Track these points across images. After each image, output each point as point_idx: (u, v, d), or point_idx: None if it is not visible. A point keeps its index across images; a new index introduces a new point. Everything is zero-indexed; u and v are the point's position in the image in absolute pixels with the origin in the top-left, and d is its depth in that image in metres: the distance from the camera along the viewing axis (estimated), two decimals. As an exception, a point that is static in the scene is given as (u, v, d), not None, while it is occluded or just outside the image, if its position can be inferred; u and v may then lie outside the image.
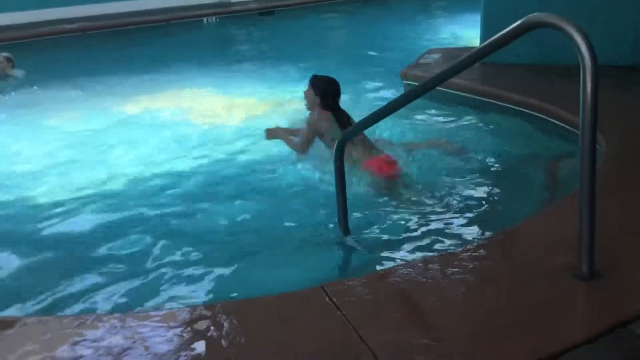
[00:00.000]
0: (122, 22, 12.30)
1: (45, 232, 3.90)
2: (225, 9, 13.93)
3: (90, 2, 12.80)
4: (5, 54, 8.73)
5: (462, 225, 3.61)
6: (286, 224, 3.84)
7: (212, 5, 14.24)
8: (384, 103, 3.23)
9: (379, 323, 2.21)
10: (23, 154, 5.50)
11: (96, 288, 3.15)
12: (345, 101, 6.69)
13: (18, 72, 8.65)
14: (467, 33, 10.07)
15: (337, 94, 4.70)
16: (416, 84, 6.24)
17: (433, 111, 5.81)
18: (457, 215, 3.76)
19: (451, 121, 5.56)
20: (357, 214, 3.76)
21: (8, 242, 3.77)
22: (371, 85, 7.44)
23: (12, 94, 7.68)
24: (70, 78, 8.26)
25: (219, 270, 3.31)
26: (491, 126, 5.31)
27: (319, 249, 3.47)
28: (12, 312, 2.90)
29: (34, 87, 7.86)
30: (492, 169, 4.54)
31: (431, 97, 5.83)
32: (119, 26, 12.12)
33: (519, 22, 2.31)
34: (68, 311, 2.91)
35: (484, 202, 3.96)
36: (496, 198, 4.02)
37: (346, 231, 3.55)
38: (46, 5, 12.34)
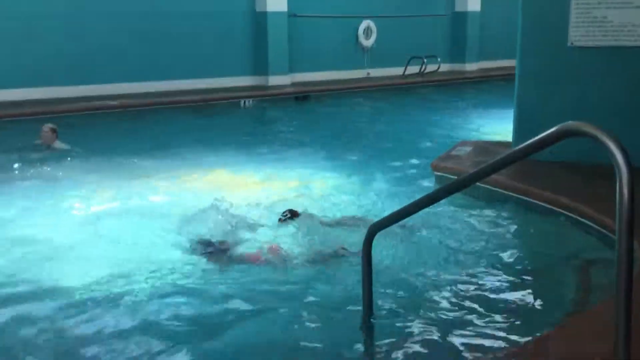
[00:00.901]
0: (161, 101, 12.73)
1: (68, 312, 3.87)
2: (262, 92, 14.36)
3: (131, 80, 13.34)
4: (50, 125, 9.00)
5: (492, 330, 3.49)
6: (310, 313, 3.77)
7: (250, 88, 14.71)
8: (414, 194, 3.24)
9: None
10: (52, 228, 5.53)
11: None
12: (374, 190, 6.76)
13: (61, 145, 8.90)
14: (498, 126, 10.17)
15: None
16: (447, 175, 6.26)
17: (463, 205, 5.78)
18: (487, 318, 3.64)
19: (482, 217, 5.51)
20: (383, 306, 3.69)
21: (26, 318, 3.76)
22: (402, 175, 7.48)
23: (52, 165, 7.87)
24: (109, 154, 8.47)
25: (236, 350, 3.25)
26: (523, 224, 5.25)
27: (341, 339, 3.40)
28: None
29: (74, 160, 8.07)
30: (522, 270, 4.43)
31: (465, 192, 5.81)
32: (158, 104, 12.54)
33: (554, 129, 2.31)
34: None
35: (514, 305, 3.84)
36: (527, 302, 3.90)
37: (370, 323, 3.48)
38: (90, 82, 12.88)
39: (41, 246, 5.10)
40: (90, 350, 3.40)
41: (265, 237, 5.14)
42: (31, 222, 5.75)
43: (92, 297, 4.09)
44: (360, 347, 3.47)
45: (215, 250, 4.89)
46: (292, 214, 5.59)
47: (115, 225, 5.64)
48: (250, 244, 4.99)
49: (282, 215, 5.58)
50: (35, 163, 7.94)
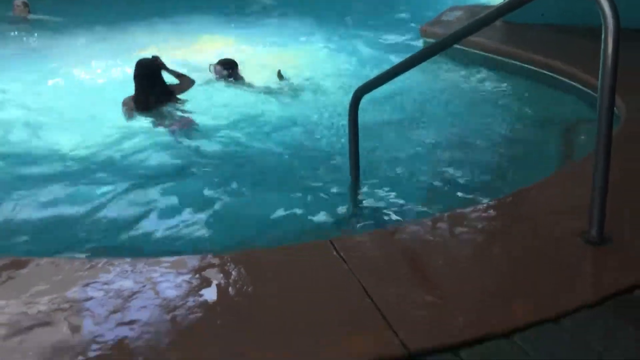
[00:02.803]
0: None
1: (55, 178, 3.97)
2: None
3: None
4: None
5: (474, 185, 3.58)
6: (298, 176, 3.85)
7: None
8: (402, 59, 3.19)
9: (384, 278, 2.22)
10: (29, 101, 5.52)
11: (108, 232, 3.21)
12: (362, 56, 6.67)
13: (34, 17, 8.68)
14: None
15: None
16: (436, 40, 6.15)
17: (452, 69, 5.73)
18: (469, 174, 3.73)
19: (470, 80, 5.49)
20: (369, 169, 3.75)
21: (19, 186, 3.83)
22: (389, 40, 7.35)
23: (26, 39, 7.70)
24: (85, 25, 8.22)
25: (229, 219, 3.34)
26: (510, 86, 5.24)
27: (329, 201, 3.47)
28: (25, 253, 2.95)
29: (49, 32, 7.86)
30: (508, 129, 4.50)
31: (451, 56, 5.74)
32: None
33: (542, -21, 2.25)
34: (80, 254, 2.95)
35: (498, 162, 3.93)
36: (511, 159, 3.98)
37: (357, 185, 3.55)
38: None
39: (23, 113, 5.17)
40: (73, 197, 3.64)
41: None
42: (10, 92, 5.73)
43: (69, 156, 4.33)
44: (348, 208, 3.56)
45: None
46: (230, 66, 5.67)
47: (84, 95, 5.68)
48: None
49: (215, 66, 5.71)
50: (9, 35, 7.76)
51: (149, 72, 5.03)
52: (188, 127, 4.75)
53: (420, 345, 1.87)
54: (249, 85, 5.66)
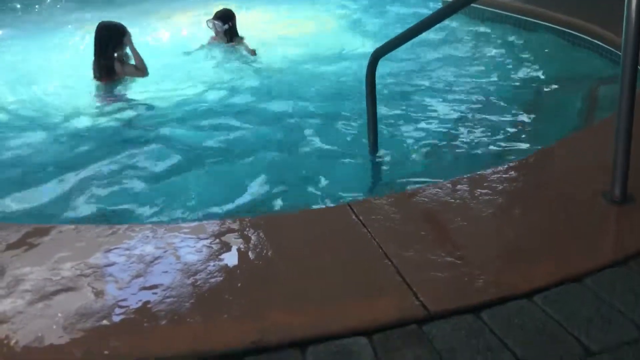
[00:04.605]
0: None
1: (74, 145, 4.01)
2: None
3: None
4: None
5: (494, 146, 3.54)
6: (315, 141, 3.83)
7: None
8: (420, 20, 3.14)
9: (404, 241, 2.22)
10: (34, 70, 5.56)
11: (128, 200, 3.23)
12: (378, 18, 6.57)
13: None
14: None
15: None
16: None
17: (471, 29, 5.63)
18: (490, 135, 3.69)
19: (491, 40, 5.39)
20: (387, 133, 3.73)
21: (40, 155, 3.88)
22: (407, 1, 7.22)
23: (32, 8, 7.68)
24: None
25: (247, 185, 3.33)
26: (531, 46, 5.13)
27: (347, 166, 3.46)
28: (47, 220, 2.98)
29: (62, 9, 7.83)
30: (530, 90, 4.43)
31: (471, 16, 5.64)
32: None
33: None
34: (101, 221, 2.98)
35: (519, 123, 3.87)
36: (532, 120, 3.92)
37: (375, 149, 3.53)
38: None
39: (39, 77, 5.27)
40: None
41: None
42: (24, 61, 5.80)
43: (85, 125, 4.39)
44: (366, 172, 3.55)
45: None
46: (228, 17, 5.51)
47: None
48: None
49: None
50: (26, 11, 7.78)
51: (102, 35, 4.86)
52: (109, 104, 4.67)
53: (440, 307, 1.86)
54: (254, 52, 5.55)
